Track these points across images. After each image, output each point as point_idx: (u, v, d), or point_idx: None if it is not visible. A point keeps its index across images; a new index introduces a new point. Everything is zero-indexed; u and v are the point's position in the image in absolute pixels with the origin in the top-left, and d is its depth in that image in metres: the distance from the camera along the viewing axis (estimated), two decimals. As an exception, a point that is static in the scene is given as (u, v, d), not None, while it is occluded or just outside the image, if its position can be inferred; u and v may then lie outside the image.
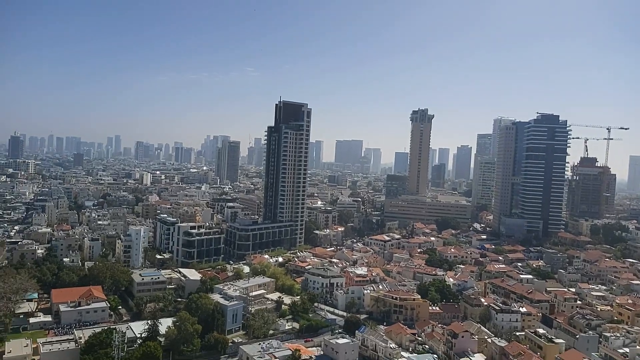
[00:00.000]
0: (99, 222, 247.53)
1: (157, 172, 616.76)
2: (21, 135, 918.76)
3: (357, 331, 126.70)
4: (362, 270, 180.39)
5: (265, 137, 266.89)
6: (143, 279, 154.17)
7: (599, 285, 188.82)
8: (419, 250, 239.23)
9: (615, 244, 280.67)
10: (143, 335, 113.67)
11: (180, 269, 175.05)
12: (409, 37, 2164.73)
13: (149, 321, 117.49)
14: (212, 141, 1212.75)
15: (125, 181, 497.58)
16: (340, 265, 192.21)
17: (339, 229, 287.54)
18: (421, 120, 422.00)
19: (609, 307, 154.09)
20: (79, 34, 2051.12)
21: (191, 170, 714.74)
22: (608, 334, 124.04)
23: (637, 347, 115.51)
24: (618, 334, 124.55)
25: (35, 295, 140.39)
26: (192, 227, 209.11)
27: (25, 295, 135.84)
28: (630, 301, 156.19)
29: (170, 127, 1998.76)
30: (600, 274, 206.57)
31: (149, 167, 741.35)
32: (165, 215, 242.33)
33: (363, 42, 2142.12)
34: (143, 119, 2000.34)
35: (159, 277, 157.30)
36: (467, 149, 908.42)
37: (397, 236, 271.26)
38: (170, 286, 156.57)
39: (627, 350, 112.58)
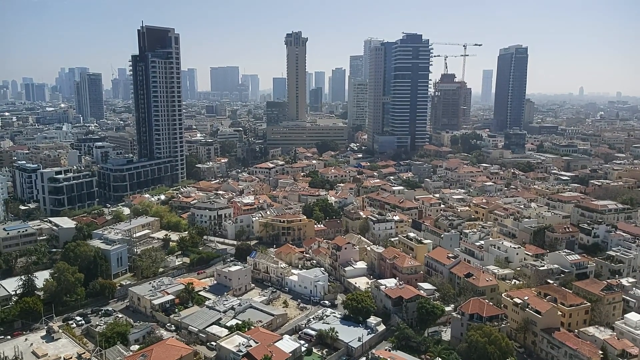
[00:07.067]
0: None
1: (6, 114, 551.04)
2: None
3: (248, 257, 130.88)
4: (249, 199, 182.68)
5: (131, 68, 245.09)
6: (8, 233, 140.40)
7: (459, 190, 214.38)
8: (302, 174, 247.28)
9: (471, 151, 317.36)
10: (18, 292, 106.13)
11: (51, 219, 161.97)
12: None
13: (22, 277, 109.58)
14: (68, 74, 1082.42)
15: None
16: (226, 196, 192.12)
17: (223, 161, 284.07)
18: (296, 44, 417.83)
19: (467, 208, 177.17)
20: None
21: (47, 109, 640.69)
22: (467, 231, 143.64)
23: (490, 238, 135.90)
24: (475, 230, 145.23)
25: None
26: (58, 172, 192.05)
27: None
28: (484, 200, 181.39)
29: (16, 61, 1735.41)
30: (459, 179, 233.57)
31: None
32: (24, 162, 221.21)
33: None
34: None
35: (26, 230, 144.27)
36: (342, 71, 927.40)
37: (281, 162, 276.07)
38: (41, 237, 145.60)
39: (482, 242, 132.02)
